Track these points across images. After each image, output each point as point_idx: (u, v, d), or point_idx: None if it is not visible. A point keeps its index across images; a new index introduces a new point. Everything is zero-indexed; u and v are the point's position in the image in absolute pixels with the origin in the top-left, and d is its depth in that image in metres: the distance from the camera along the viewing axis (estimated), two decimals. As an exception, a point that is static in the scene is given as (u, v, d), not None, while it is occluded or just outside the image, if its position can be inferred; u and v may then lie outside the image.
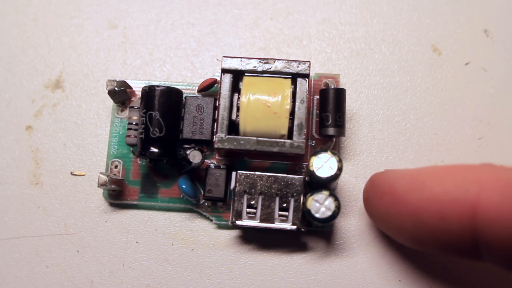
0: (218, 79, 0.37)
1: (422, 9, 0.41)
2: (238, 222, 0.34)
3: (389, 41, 0.40)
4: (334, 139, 0.37)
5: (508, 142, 0.38)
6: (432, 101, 0.39)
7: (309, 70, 0.35)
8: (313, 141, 0.37)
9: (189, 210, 0.37)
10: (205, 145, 0.37)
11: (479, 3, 0.41)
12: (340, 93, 0.36)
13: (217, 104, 0.36)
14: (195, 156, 0.35)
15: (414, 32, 0.40)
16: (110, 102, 0.39)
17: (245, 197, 0.34)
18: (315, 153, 0.33)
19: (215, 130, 0.35)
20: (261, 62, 0.35)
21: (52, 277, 0.37)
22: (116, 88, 0.37)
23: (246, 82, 0.35)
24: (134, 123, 0.37)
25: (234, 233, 0.37)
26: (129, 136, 0.36)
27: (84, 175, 0.39)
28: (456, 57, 0.40)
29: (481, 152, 0.38)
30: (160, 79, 0.40)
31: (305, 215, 0.34)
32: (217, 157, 0.37)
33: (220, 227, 0.37)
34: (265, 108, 0.34)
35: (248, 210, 0.34)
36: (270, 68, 0.35)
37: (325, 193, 0.33)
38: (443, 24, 0.40)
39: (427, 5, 0.41)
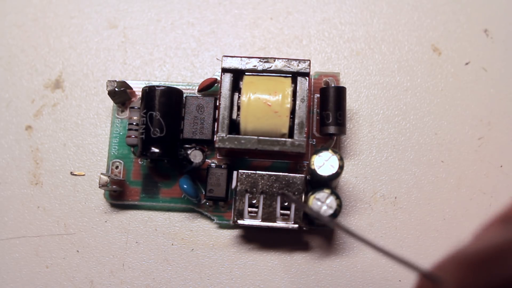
0: (218, 78, 0.37)
1: (422, 9, 0.41)
2: (240, 222, 0.34)
3: (389, 41, 0.40)
4: (335, 138, 0.37)
5: (508, 142, 0.38)
6: (432, 101, 0.39)
7: (309, 68, 0.35)
8: (314, 140, 0.37)
9: (190, 210, 0.37)
10: (206, 145, 0.37)
11: (479, 3, 0.41)
12: (340, 92, 0.36)
13: (217, 104, 0.36)
14: (196, 156, 0.35)
15: (414, 32, 0.40)
16: (110, 102, 0.39)
17: (247, 196, 0.34)
18: (316, 151, 0.33)
19: (215, 129, 0.35)
20: (261, 61, 0.35)
21: (52, 277, 0.37)
22: (116, 89, 0.37)
23: (246, 82, 0.35)
24: (134, 123, 0.36)
25: (234, 233, 0.37)
26: (129, 136, 0.36)
27: (84, 175, 0.38)
28: (456, 57, 0.40)
29: (481, 152, 0.38)
30: (160, 79, 0.40)
31: (306, 214, 0.34)
32: (218, 157, 0.37)
33: (219, 227, 0.37)
34: (265, 107, 0.34)
35: (250, 209, 0.34)
36: (270, 67, 0.35)
37: (327, 191, 0.33)
38: (443, 24, 0.41)
39: (427, 5, 0.41)
